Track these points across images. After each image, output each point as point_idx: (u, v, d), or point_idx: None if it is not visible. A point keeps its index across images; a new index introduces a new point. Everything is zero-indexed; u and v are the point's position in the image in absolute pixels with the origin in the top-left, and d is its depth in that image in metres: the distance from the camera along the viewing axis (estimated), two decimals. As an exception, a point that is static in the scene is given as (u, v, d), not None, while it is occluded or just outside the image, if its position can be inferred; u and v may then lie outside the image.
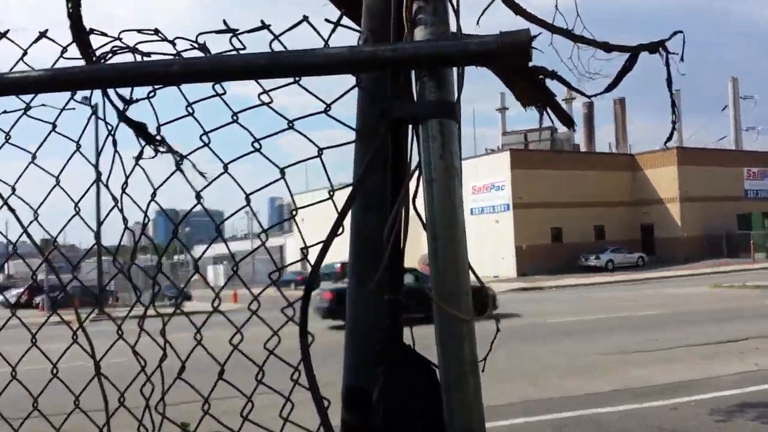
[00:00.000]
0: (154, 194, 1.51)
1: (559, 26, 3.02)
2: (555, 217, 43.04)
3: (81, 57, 1.85)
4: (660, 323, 15.36)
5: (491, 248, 41.79)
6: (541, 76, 2.37)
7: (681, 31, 3.02)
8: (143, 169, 1.52)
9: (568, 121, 2.97)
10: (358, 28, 1.64)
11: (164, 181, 1.51)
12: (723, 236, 43.94)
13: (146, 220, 1.55)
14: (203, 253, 7.60)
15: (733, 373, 9.09)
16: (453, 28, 1.24)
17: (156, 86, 1.33)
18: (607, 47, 3.32)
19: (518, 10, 2.95)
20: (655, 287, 27.95)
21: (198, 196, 1.45)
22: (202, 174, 1.80)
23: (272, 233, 57.47)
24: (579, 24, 4.77)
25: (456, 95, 1.21)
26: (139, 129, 2.13)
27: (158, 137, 1.72)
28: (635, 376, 9.31)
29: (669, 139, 4.16)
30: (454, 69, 1.20)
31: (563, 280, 34.39)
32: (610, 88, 3.36)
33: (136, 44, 1.40)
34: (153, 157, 1.63)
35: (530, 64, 2.59)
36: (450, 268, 1.15)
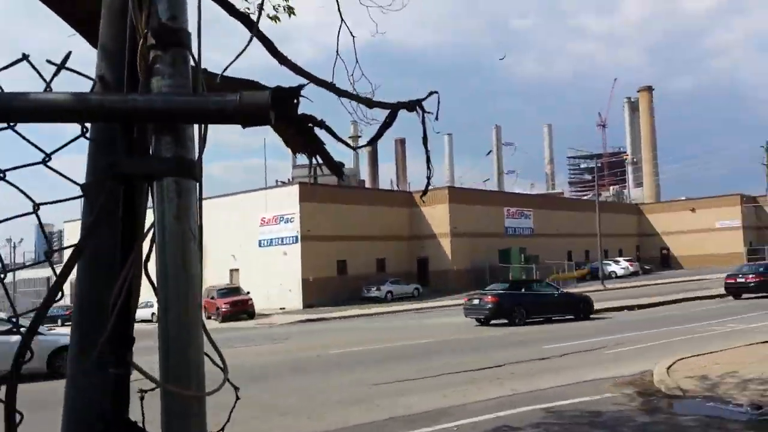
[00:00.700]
0: None
1: (324, 79, 3.09)
2: (341, 249, 44.25)
3: None
4: (431, 351, 16.39)
5: (279, 280, 41.67)
6: (309, 124, 2.39)
7: (436, 92, 3.26)
8: None
9: (336, 170, 3.03)
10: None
11: None
12: (486, 269, 48.59)
13: None
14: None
15: (492, 397, 9.95)
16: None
17: None
18: (370, 104, 3.48)
19: (283, 60, 2.97)
20: (428, 317, 29.85)
21: None
22: None
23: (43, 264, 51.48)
24: (377, 66, 4.95)
25: (198, 152, 1.14)
26: None
27: None
28: (406, 404, 9.76)
29: (424, 193, 4.47)
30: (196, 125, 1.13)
31: (347, 310, 35.29)
32: (371, 142, 3.53)
33: None
34: None
35: (300, 111, 2.62)
36: (181, 340, 1.06)
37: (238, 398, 1.35)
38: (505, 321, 22.58)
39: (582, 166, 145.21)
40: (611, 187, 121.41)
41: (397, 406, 9.67)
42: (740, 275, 28.72)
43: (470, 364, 13.44)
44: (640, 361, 12.61)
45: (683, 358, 11.73)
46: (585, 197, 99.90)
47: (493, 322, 22.93)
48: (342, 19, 5.35)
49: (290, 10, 6.28)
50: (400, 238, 48.84)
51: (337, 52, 5.28)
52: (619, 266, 58.14)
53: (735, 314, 21.97)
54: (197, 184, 1.12)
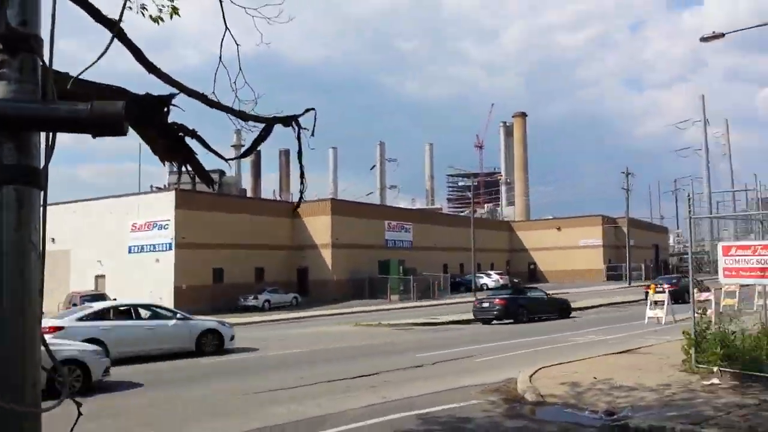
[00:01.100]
0: None
1: (195, 90, 3.04)
2: (218, 258, 43.09)
3: None
4: (307, 360, 16.32)
5: (150, 288, 39.83)
6: (180, 134, 2.34)
7: (313, 109, 3.31)
8: None
9: (208, 180, 2.98)
10: None
11: None
12: (366, 279, 49.20)
13: None
14: None
15: (364, 405, 10.08)
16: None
17: None
18: (244, 117, 3.46)
19: (151, 68, 2.90)
20: (306, 326, 29.69)
21: None
22: None
23: None
24: (265, 78, 4.89)
25: (44, 161, 1.10)
26: None
27: None
28: (279, 414, 9.67)
29: (297, 206, 4.52)
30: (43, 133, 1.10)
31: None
32: (243, 156, 3.52)
33: None
34: None
35: (170, 120, 2.57)
36: (15, 354, 1.02)
37: (80, 414, 1.31)
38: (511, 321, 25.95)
39: (460, 184, 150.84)
40: (486, 205, 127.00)
41: (270, 416, 9.56)
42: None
43: (348, 372, 13.53)
44: (506, 369, 13.25)
45: (545, 367, 12.47)
46: (462, 213, 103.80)
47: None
48: (226, 27, 5.29)
49: (174, 10, 6.10)
50: (281, 247, 48.34)
51: (220, 59, 5.21)
52: (490, 279, 60.87)
53: (594, 326, 23.64)
54: (41, 192, 1.09)
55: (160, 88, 2.66)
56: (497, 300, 27.02)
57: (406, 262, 51.88)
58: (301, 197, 3.78)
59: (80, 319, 16.36)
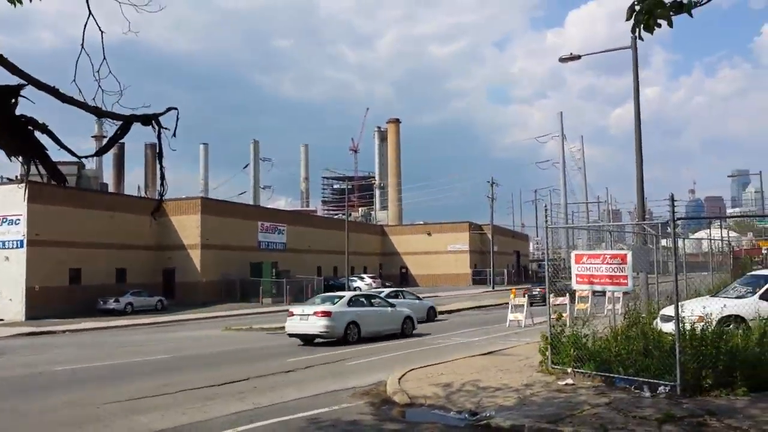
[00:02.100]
0: None
1: (44, 83, 2.76)
2: (75, 257, 40.26)
3: None
4: (172, 367, 15.62)
5: (-1, 288, 36.57)
6: (29, 127, 2.11)
7: (176, 108, 3.13)
8: None
9: (59, 177, 2.73)
10: None
11: None
12: (237, 282, 47.96)
13: None
14: None
15: (232, 413, 9.77)
16: None
17: None
18: (99, 113, 3.21)
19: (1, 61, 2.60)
20: (173, 330, 28.47)
21: None
22: None
23: None
24: (133, 68, 4.56)
25: None
26: None
27: None
28: (141, 424, 9.15)
29: (156, 210, 4.31)
30: None
31: (80, 323, 32.08)
32: (99, 153, 3.28)
33: None
34: None
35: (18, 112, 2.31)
36: None
37: None
38: None
39: (335, 186, 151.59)
40: (360, 208, 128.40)
41: (125, 428, 9.01)
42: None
43: (215, 379, 13.07)
44: (377, 371, 13.40)
45: (414, 369, 12.75)
46: (336, 216, 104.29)
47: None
48: (90, 12, 4.92)
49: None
50: (146, 247, 45.96)
51: (82, 46, 4.83)
52: (363, 282, 61.54)
53: (461, 328, 24.52)
54: None
55: (5, 78, 2.39)
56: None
57: (279, 264, 51.19)
58: (160, 201, 3.57)
59: None
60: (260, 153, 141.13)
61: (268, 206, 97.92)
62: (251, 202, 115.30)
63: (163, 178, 3.31)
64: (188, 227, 47.37)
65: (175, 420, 9.39)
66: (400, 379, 11.66)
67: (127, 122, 2.85)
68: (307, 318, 20.06)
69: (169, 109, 3.05)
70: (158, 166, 3.19)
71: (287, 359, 16.39)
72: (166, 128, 3.02)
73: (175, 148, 3.28)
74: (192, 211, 47.61)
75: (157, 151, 3.07)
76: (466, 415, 8.81)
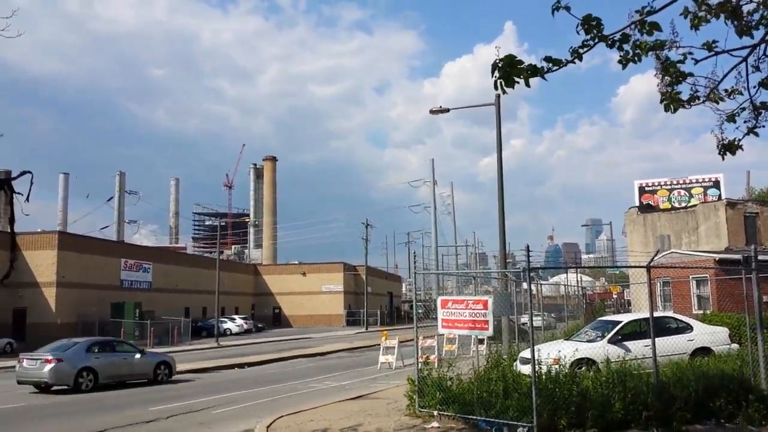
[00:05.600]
0: None
1: None
2: None
3: None
4: (14, 420, 14.32)
5: None
6: None
7: (30, 172, 3.03)
8: None
9: None
10: None
11: None
12: (97, 323, 44.86)
13: None
14: None
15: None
16: None
17: None
18: None
19: None
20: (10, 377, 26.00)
21: None
22: None
23: None
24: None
25: None
26: None
27: None
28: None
29: (6, 277, 4.06)
30: None
31: None
32: None
33: None
34: None
35: None
36: None
37: None
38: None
39: (207, 223, 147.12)
40: (233, 246, 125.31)
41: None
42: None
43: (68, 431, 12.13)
44: (245, 419, 13.05)
45: (282, 416, 12.54)
46: (208, 254, 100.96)
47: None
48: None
49: None
50: (-7, 285, 41.97)
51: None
52: (234, 324, 59.86)
53: (333, 371, 24.45)
54: None
55: None
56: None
57: (143, 304, 48.55)
58: (9, 272, 3.33)
59: None
60: (126, 185, 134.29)
61: (134, 242, 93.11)
62: (115, 238, 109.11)
63: (14, 246, 3.13)
64: (43, 263, 43.85)
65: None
66: (268, 427, 11.45)
67: None
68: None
69: (23, 173, 2.93)
70: (10, 233, 3.00)
71: (149, 408, 15.55)
72: (19, 193, 2.89)
73: (28, 213, 3.13)
74: (48, 246, 44.20)
75: (9, 217, 2.90)
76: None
